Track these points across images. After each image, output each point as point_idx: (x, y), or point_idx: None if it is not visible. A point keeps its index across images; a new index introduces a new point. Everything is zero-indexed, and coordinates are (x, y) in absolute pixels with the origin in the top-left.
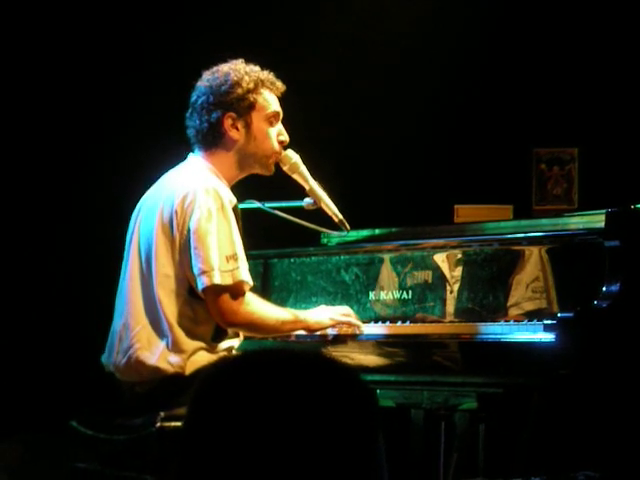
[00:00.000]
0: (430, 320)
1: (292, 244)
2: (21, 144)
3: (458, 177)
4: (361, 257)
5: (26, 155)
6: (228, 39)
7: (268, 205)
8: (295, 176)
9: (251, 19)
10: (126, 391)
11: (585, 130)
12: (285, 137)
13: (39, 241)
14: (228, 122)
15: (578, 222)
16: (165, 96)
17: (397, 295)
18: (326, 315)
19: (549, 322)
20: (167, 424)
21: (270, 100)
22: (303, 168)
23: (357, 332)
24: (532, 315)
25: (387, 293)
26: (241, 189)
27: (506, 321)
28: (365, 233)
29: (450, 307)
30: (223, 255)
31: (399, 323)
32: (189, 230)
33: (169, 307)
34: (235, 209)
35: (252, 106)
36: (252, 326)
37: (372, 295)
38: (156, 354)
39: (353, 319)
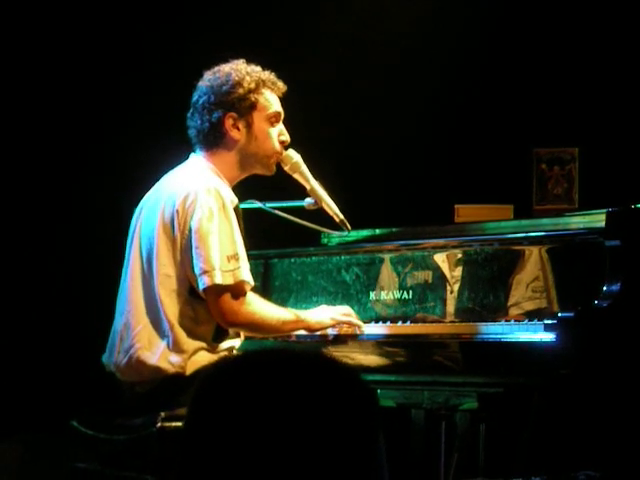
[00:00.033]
0: (431, 320)
1: (292, 244)
2: (21, 144)
3: (458, 177)
4: (362, 257)
5: (26, 155)
6: (228, 39)
7: (269, 205)
8: (296, 176)
9: (251, 19)
10: (126, 391)
11: (585, 130)
12: (286, 137)
13: (40, 241)
14: (229, 122)
15: (579, 222)
16: (165, 96)
17: (398, 295)
18: (327, 315)
19: (550, 322)
20: (167, 424)
21: (271, 100)
22: (304, 168)
23: (358, 332)
24: (533, 315)
25: (388, 293)
26: (242, 189)
27: (507, 321)
28: (365, 233)
29: (451, 307)
30: (224, 255)
31: (400, 323)
32: (190, 230)
33: (170, 307)
34: (236, 209)
35: (253, 106)
36: (253, 326)
37: (373, 295)
38: (157, 354)
39: (354, 319)
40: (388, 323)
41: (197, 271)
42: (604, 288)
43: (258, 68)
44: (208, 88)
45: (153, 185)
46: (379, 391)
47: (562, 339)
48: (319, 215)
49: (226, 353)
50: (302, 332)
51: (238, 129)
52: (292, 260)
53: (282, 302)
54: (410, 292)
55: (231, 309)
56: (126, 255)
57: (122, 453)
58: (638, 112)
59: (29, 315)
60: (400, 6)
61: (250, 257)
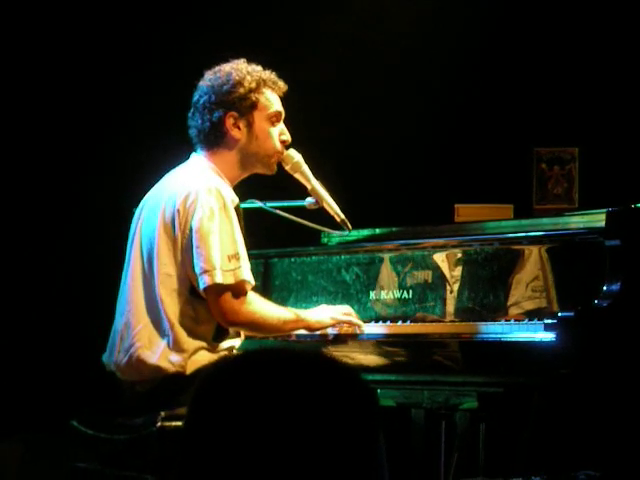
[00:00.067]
0: (430, 320)
1: (292, 244)
2: (22, 144)
3: (459, 176)
4: (362, 257)
5: (27, 155)
6: (228, 39)
7: (270, 205)
8: (297, 176)
9: (251, 19)
10: (127, 390)
11: (585, 130)
12: (287, 136)
13: (40, 241)
14: (230, 121)
15: (579, 221)
16: (165, 96)
17: (397, 295)
18: (327, 314)
19: (550, 321)
20: (168, 424)
21: (272, 100)
22: (305, 168)
23: (358, 331)
24: (532, 314)
25: (387, 293)
26: (243, 188)
27: (506, 320)
28: (365, 232)
29: (450, 306)
30: (225, 254)
31: (400, 323)
32: (191, 229)
33: (170, 306)
34: (237, 209)
35: (254, 105)
36: (253, 325)
37: (372, 295)
38: (157, 353)
39: (354, 318)
40: (388, 323)
41: (198, 270)
42: (604, 288)
43: (259, 68)
44: (209, 88)
45: (153, 185)
46: (379, 391)
47: (562, 339)
48: (320, 215)
49: (226, 353)
50: (302, 331)
51: (239, 128)
52: (292, 260)
53: (282, 302)
54: (410, 292)
55: (231, 308)
56: (127, 255)
57: (122, 453)
58: (638, 112)
59: (29, 315)
60: (400, 6)
61: (250, 256)
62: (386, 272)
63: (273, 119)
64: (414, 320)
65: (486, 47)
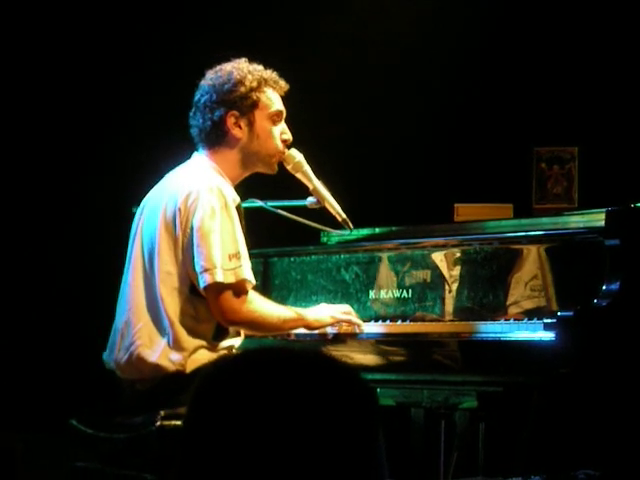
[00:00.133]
0: (430, 319)
1: (292, 243)
2: (22, 144)
3: (458, 176)
4: (361, 256)
5: (27, 155)
6: (228, 39)
7: (271, 204)
8: (299, 175)
9: (251, 19)
10: (127, 389)
11: (585, 129)
12: (288, 136)
13: (41, 240)
14: (231, 120)
15: (578, 221)
16: (165, 96)
17: (397, 294)
18: (327, 313)
19: (549, 321)
20: (167, 423)
21: (273, 99)
22: (307, 167)
23: (357, 331)
24: (532, 314)
25: (387, 292)
26: (245, 188)
27: (506, 320)
28: (365, 232)
29: (450, 306)
30: (226, 253)
31: (399, 322)
32: (192, 228)
33: (171, 305)
34: (238, 208)
35: (255, 104)
36: (253, 324)
37: (372, 294)
38: (157, 351)
39: (353, 318)
40: (388, 322)
41: (198, 269)
42: (603, 287)
43: (260, 67)
44: (210, 87)
45: (154, 185)
46: (379, 390)
47: (561, 338)
48: (321, 214)
49: (226, 352)
50: (302, 330)
51: (240, 127)
52: (292, 259)
53: (282, 301)
54: (410, 291)
55: (231, 307)
56: (128, 253)
57: (122, 452)
58: (638, 112)
59: (30, 314)
60: (400, 6)
61: (250, 256)
62: (386, 271)
63: (274, 118)
64: (414, 319)
65: (486, 47)
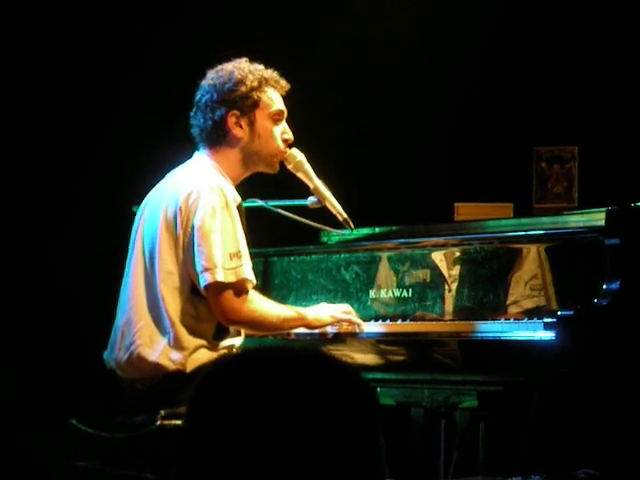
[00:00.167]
0: (430, 318)
1: (292, 242)
2: (22, 144)
3: (458, 175)
4: (361, 255)
5: (28, 155)
6: (228, 39)
7: (271, 203)
8: (300, 175)
9: (251, 19)
10: (127, 388)
11: (585, 128)
12: (289, 135)
13: (42, 240)
14: (232, 120)
15: (578, 220)
16: (165, 96)
17: (397, 293)
18: (327, 313)
19: (549, 320)
20: (167, 422)
21: (274, 98)
22: (308, 167)
23: (357, 330)
24: (532, 313)
25: (387, 291)
26: (246, 187)
27: (506, 319)
28: (365, 231)
29: (450, 305)
30: (227, 253)
31: (399, 321)
32: (193, 227)
33: (171, 304)
34: (239, 207)
35: (256, 104)
36: (254, 324)
37: (372, 293)
38: (157, 351)
39: (354, 317)
40: (388, 321)
41: (199, 268)
42: (604, 287)
43: (261, 66)
44: (211, 86)
45: (154, 185)
46: (379, 389)
47: (562, 338)
48: (322, 214)
49: (226, 351)
50: (302, 330)
51: (241, 127)
52: (292, 258)
53: (282, 300)
54: (410, 290)
55: (232, 307)
56: (129, 252)
57: (122, 451)
58: (638, 111)
59: (30, 314)
60: (400, 6)
61: (250, 255)
62: (386, 271)
63: (275, 118)
64: (414, 319)
65: (486, 47)
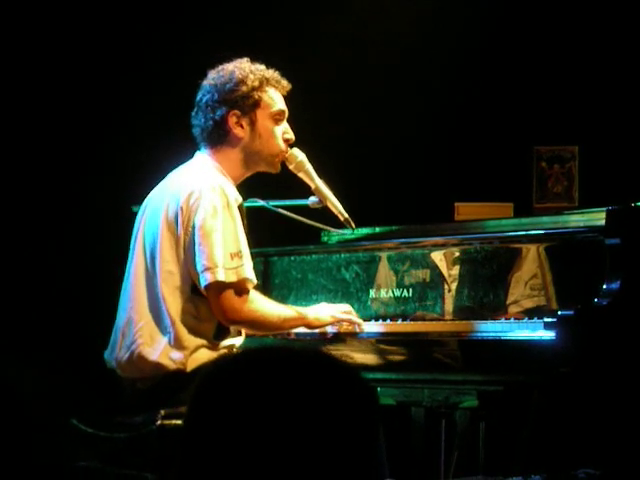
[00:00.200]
0: (430, 318)
1: (292, 242)
2: (22, 145)
3: (459, 175)
4: (361, 255)
5: (28, 155)
6: (228, 39)
7: (272, 203)
8: (301, 175)
9: (251, 19)
10: (127, 388)
11: (585, 128)
12: (291, 135)
13: (42, 240)
14: (233, 120)
15: (579, 220)
16: (165, 96)
17: (397, 293)
18: (327, 313)
19: (549, 320)
20: (167, 422)
21: (275, 98)
22: (309, 167)
23: (357, 330)
24: (532, 313)
25: (387, 291)
26: (247, 187)
27: (506, 319)
28: (365, 231)
29: (450, 305)
30: (228, 252)
31: (399, 321)
32: (194, 227)
33: (172, 304)
34: (240, 207)
35: (257, 104)
36: (254, 324)
37: (372, 293)
38: (158, 350)
39: (354, 317)
40: (388, 321)
41: (199, 268)
42: (604, 286)
43: (262, 66)
44: (212, 86)
45: (154, 184)
46: (379, 389)
47: (562, 337)
48: (323, 213)
49: (226, 351)
50: (302, 330)
51: (242, 127)
52: (292, 258)
53: (282, 300)
54: (410, 290)
55: (232, 306)
56: (130, 252)
57: (122, 451)
58: (638, 111)
59: (30, 314)
60: (400, 6)
61: (250, 255)
62: (386, 271)
63: (276, 117)
64: (414, 318)
65: (486, 47)
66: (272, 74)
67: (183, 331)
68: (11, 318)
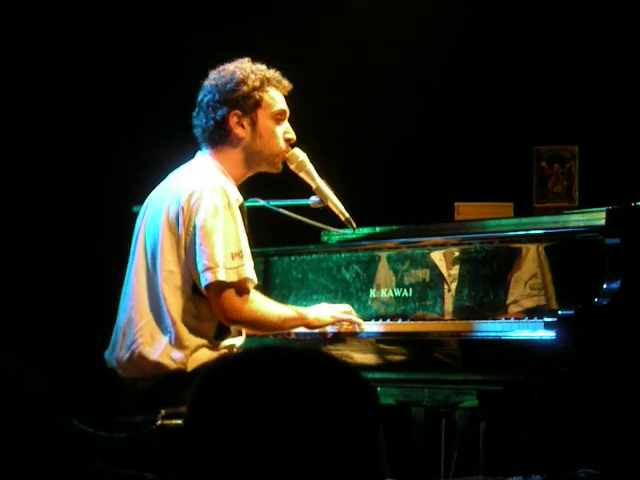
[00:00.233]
0: (430, 318)
1: (292, 242)
2: (23, 144)
3: (459, 175)
4: (362, 255)
5: (28, 155)
6: (228, 39)
7: (273, 203)
8: (302, 175)
9: (251, 19)
10: (128, 387)
11: (585, 128)
12: (292, 135)
13: (42, 240)
14: (234, 120)
15: (579, 220)
16: (165, 96)
17: (397, 293)
18: (327, 313)
19: (549, 320)
20: (168, 422)
21: (276, 98)
22: (310, 167)
23: (358, 330)
24: (532, 313)
25: (387, 291)
26: (247, 187)
27: (507, 319)
28: (366, 231)
29: (450, 305)
30: (229, 252)
31: (399, 321)
32: (195, 227)
33: (173, 303)
34: (241, 207)
35: (258, 104)
36: (255, 324)
37: (372, 293)
38: (158, 350)
39: (354, 317)
40: (388, 321)
41: (200, 268)
42: (604, 286)
43: (263, 66)
44: (213, 87)
45: (154, 184)
46: (379, 389)
47: (562, 337)
48: (324, 213)
49: (227, 351)
50: (302, 329)
51: (243, 127)
52: (292, 258)
53: (282, 300)
54: (410, 290)
55: (233, 306)
56: (131, 252)
57: (123, 451)
58: (638, 110)
59: (30, 314)
60: (400, 6)
61: (251, 254)
62: (386, 270)
63: (277, 117)
64: (414, 318)
65: (486, 46)
66: (273, 74)
67: (184, 331)
68: (11, 318)
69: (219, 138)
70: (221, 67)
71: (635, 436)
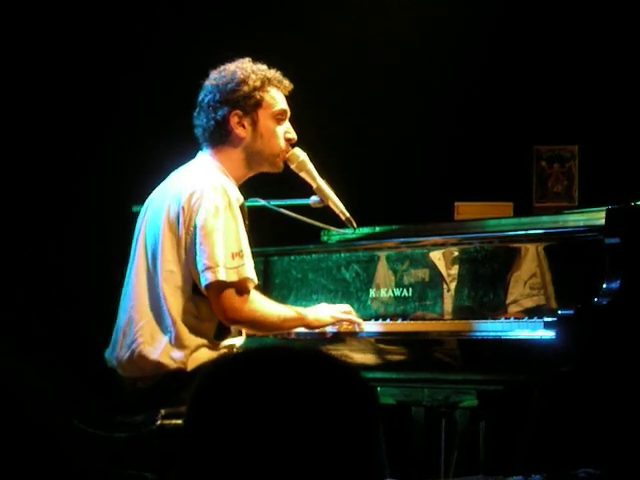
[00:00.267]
0: (430, 317)
1: (292, 241)
2: (23, 144)
3: (459, 174)
4: (361, 255)
5: (28, 155)
6: (228, 39)
7: (274, 203)
8: (303, 174)
9: (251, 19)
10: (128, 387)
11: (585, 127)
12: (293, 135)
13: (42, 240)
14: (234, 120)
15: (578, 219)
16: (166, 96)
17: (397, 293)
18: (327, 313)
19: (549, 319)
20: (168, 422)
21: (277, 98)
22: (310, 166)
23: (357, 330)
24: (532, 312)
25: (387, 291)
26: (248, 187)
27: (506, 318)
28: (365, 230)
29: (450, 304)
30: (229, 252)
31: (399, 321)
32: (195, 227)
33: (173, 303)
34: (242, 207)
35: (258, 104)
36: (255, 324)
37: (372, 293)
38: (159, 349)
39: (354, 317)
40: (388, 321)
41: (200, 267)
42: (604, 286)
43: (264, 66)
44: (214, 87)
45: (154, 184)
46: (379, 389)
47: (562, 337)
48: (324, 213)
49: (227, 350)
50: (302, 329)
51: (243, 127)
52: (292, 258)
53: (282, 300)
54: (410, 290)
55: (233, 306)
56: (131, 252)
57: (123, 451)
58: (638, 110)
59: (31, 314)
60: (400, 6)
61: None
62: (386, 270)
63: (278, 117)
64: (414, 318)
65: (486, 46)
66: (274, 74)
67: (184, 330)
68: (11, 318)
69: (220, 138)
70: (222, 67)
71: (635, 436)
